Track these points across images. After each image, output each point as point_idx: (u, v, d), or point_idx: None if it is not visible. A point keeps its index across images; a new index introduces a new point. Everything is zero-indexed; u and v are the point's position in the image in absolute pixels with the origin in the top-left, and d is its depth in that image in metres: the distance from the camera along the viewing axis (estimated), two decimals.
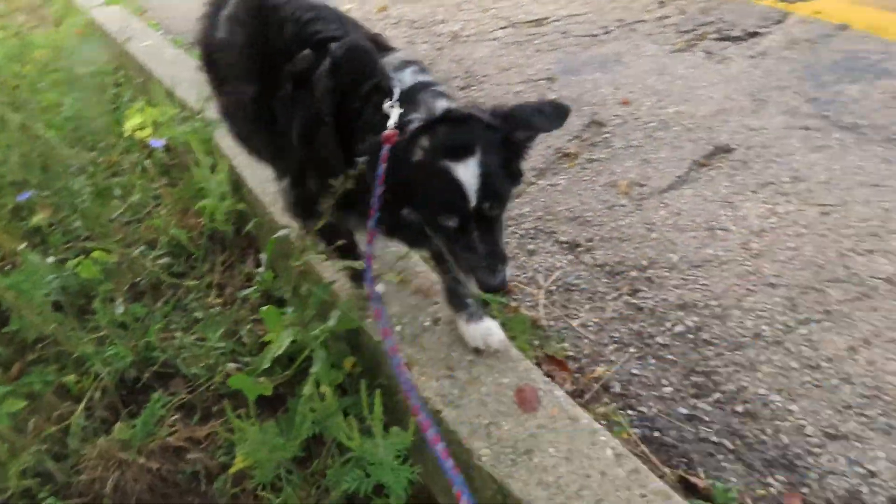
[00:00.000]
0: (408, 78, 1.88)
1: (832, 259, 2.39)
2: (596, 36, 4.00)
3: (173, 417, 2.55)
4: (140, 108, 4.05)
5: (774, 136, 2.92)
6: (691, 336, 2.27)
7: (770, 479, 1.89)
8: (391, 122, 1.74)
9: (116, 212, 3.52)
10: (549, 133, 1.85)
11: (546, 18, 4.45)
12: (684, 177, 2.86)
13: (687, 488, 1.87)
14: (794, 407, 2.02)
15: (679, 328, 2.30)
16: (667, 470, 1.92)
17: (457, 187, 1.64)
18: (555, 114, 1.74)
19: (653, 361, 2.23)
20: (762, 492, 1.87)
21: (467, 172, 1.64)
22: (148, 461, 2.41)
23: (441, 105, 1.80)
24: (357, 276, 2.21)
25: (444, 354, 2.14)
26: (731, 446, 1.98)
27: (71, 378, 2.64)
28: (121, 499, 2.34)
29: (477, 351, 2.09)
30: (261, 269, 2.92)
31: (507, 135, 1.72)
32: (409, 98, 1.81)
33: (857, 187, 2.61)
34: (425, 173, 1.68)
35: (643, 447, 1.98)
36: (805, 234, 2.50)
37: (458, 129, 1.70)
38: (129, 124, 3.97)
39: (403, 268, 2.49)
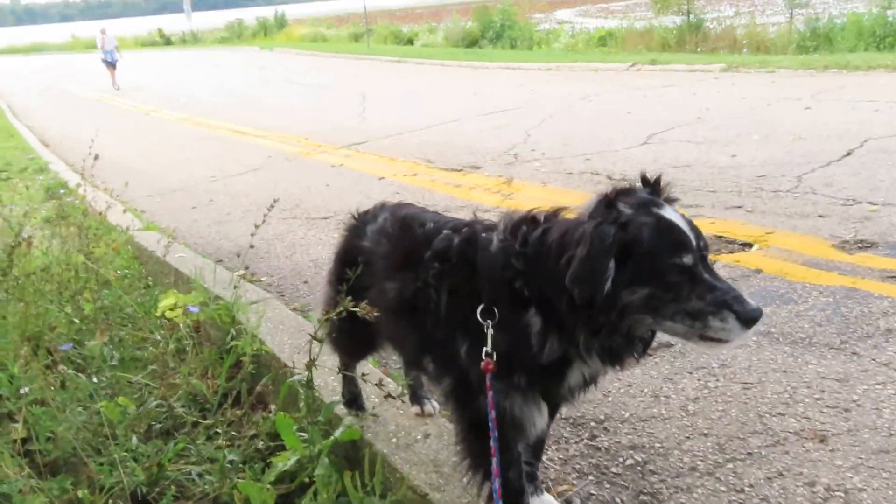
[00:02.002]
0: None
1: (752, 418, 2.93)
2: None
3: None
4: (173, 294, 4.69)
5: None
6: (639, 468, 2.71)
7: None
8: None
9: (139, 375, 3.96)
10: None
11: None
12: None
13: None
14: None
15: (629, 462, 2.75)
16: None
17: (674, 226, 1.73)
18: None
19: (607, 485, 2.64)
20: None
21: (674, 214, 1.77)
22: None
23: None
24: None
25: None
26: None
27: (85, 492, 2.91)
28: None
29: None
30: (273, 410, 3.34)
31: None
32: None
33: (771, 372, 3.24)
34: (650, 222, 1.74)
35: None
36: (731, 402, 3.06)
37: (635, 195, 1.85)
38: (163, 304, 4.56)
39: None
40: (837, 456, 2.66)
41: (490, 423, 1.89)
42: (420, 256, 2.16)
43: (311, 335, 2.57)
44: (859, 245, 4.54)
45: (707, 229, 5.09)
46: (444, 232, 2.18)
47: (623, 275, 1.71)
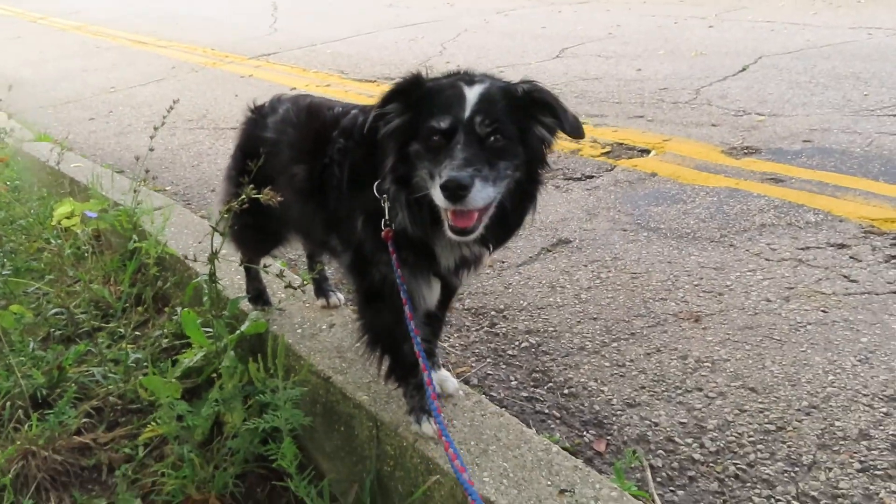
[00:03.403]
0: None
1: (637, 303, 3.16)
2: None
3: (82, 421, 2.80)
4: (69, 203, 4.50)
5: (602, 233, 3.82)
6: (533, 350, 2.90)
7: (585, 434, 2.45)
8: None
9: (34, 286, 3.83)
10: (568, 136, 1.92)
11: None
12: (535, 257, 3.66)
13: None
14: (604, 388, 2.65)
15: (525, 345, 2.94)
16: None
17: (458, 98, 1.80)
18: (574, 124, 1.86)
19: (503, 366, 2.82)
20: (579, 441, 2.42)
21: (472, 91, 1.81)
22: (52, 454, 2.62)
23: None
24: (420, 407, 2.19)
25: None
26: (557, 415, 2.55)
27: None
28: (21, 484, 2.51)
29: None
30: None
31: (526, 104, 1.85)
32: None
33: (657, 263, 3.48)
34: (438, 92, 1.85)
35: None
36: (619, 290, 3.28)
37: (475, 77, 1.91)
38: (58, 213, 4.36)
39: None
40: (709, 333, 2.93)
41: (398, 280, 1.96)
42: (328, 136, 2.22)
43: (211, 226, 2.56)
44: (745, 151, 4.82)
45: (610, 137, 5.29)
46: (353, 112, 2.26)
47: (410, 131, 1.87)
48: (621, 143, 5.15)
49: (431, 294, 2.14)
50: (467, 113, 1.77)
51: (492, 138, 1.78)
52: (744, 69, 7.00)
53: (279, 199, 2.27)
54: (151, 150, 3.91)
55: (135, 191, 4.03)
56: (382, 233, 1.98)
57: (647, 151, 4.97)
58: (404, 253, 2.00)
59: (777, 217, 3.84)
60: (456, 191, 1.66)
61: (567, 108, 1.87)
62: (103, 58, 11.09)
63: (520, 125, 1.84)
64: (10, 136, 6.12)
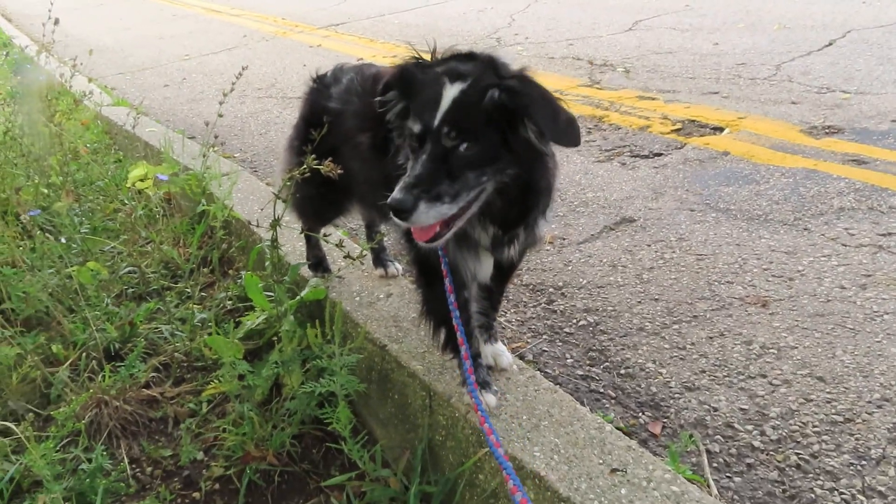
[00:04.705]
0: None
1: (701, 286, 3.07)
2: None
3: (151, 375, 2.93)
4: (143, 165, 4.66)
5: (667, 213, 3.71)
6: (591, 329, 2.86)
7: (640, 415, 2.41)
8: None
9: (110, 245, 4.01)
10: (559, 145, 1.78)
11: None
12: (597, 235, 3.59)
13: None
14: (663, 370, 2.59)
15: (582, 323, 2.90)
16: None
17: (434, 100, 1.72)
18: (562, 132, 1.69)
19: (559, 344, 2.79)
20: (633, 422, 2.38)
21: (449, 92, 1.71)
22: (122, 404, 2.75)
23: None
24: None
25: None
26: (613, 395, 2.51)
27: (59, 346, 3.01)
28: (94, 431, 2.66)
29: (489, 367, 2.33)
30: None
31: (508, 108, 1.71)
32: None
33: (725, 245, 3.36)
34: (423, 87, 1.80)
35: None
36: (684, 272, 3.19)
37: (465, 62, 1.81)
38: (133, 175, 4.53)
39: None
40: (776, 319, 2.82)
41: (440, 252, 1.96)
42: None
43: (274, 194, 2.61)
44: (826, 130, 4.58)
45: (681, 114, 5.11)
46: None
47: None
48: (693, 121, 4.97)
49: (481, 267, 2.12)
50: (437, 121, 1.71)
51: (460, 148, 1.71)
52: (830, 44, 6.62)
53: (339, 170, 2.28)
54: (221, 116, 3.99)
55: (203, 155, 4.14)
56: None
57: (721, 129, 4.78)
58: None
59: (857, 201, 3.64)
60: (398, 212, 1.69)
61: (557, 112, 1.69)
62: (178, 25, 11.39)
63: (501, 129, 1.72)
64: (90, 100, 6.36)
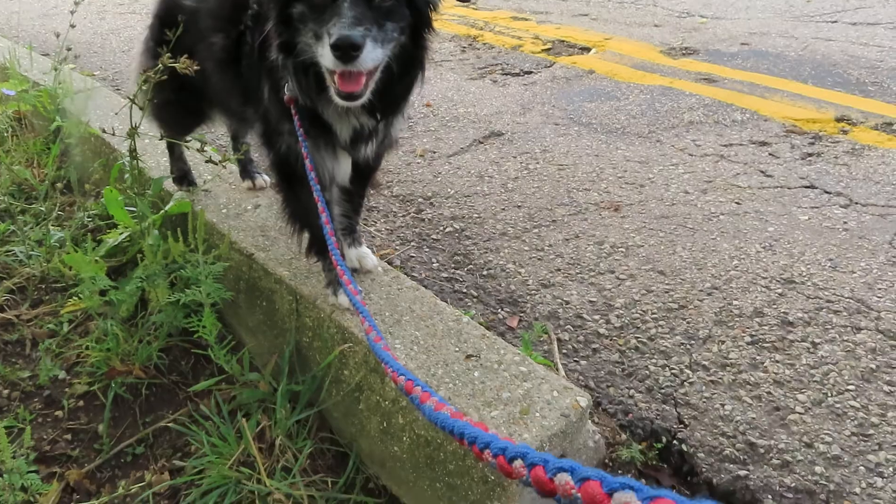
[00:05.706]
0: None
1: (561, 193, 3.25)
2: None
3: (4, 298, 2.80)
4: None
5: (534, 127, 3.86)
6: (457, 235, 2.98)
7: (499, 311, 2.57)
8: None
9: None
10: None
11: None
12: (466, 148, 3.69)
13: None
14: (522, 270, 2.76)
15: (449, 230, 3.01)
16: None
17: None
18: None
19: (427, 249, 2.90)
20: (493, 317, 2.54)
21: None
22: None
23: None
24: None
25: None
26: (475, 294, 2.65)
27: None
28: None
29: (354, 270, 2.36)
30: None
31: None
32: None
33: (585, 156, 3.55)
34: None
35: None
36: (546, 180, 3.36)
37: None
38: None
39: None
40: (626, 221, 3.05)
41: (304, 148, 1.94)
42: (246, 3, 2.09)
43: (129, 98, 2.49)
44: (683, 52, 4.86)
45: (552, 34, 5.24)
46: None
47: None
48: (563, 41, 5.12)
49: (339, 168, 2.14)
50: None
51: None
52: None
53: (196, 67, 2.21)
54: (73, 26, 3.71)
55: (55, 69, 3.86)
56: (285, 98, 1.95)
57: (588, 49, 4.96)
58: (305, 124, 1.98)
59: (705, 115, 3.92)
60: (348, 50, 1.56)
61: None
62: None
63: None
64: None
